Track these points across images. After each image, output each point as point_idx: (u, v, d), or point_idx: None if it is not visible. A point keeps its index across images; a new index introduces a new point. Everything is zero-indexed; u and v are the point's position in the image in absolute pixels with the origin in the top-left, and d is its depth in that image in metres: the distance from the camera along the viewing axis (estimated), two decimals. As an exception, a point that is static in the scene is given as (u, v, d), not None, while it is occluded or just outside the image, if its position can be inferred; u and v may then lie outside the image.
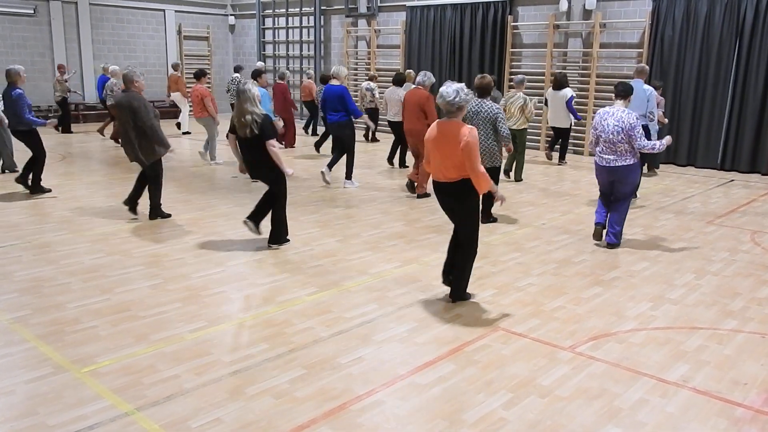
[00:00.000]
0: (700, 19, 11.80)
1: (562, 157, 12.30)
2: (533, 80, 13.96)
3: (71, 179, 9.94)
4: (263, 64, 16.77)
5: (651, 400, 3.70)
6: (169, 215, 7.64)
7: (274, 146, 6.09)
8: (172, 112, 16.93)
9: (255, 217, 6.49)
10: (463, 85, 4.69)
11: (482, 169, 4.62)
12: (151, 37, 18.97)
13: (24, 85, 8.54)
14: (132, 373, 3.87)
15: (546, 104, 11.97)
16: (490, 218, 7.73)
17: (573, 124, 11.85)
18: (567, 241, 6.93)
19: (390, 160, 11.73)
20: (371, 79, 14.77)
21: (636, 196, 9.28)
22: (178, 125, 15.84)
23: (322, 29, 18.14)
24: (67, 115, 15.29)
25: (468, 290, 5.22)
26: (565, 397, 3.72)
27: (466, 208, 4.87)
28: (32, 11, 16.57)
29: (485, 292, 5.40)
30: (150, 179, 7.42)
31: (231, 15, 20.56)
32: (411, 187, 9.18)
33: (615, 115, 6.34)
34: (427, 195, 8.85)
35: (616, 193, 6.61)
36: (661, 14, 12.21)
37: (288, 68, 18.69)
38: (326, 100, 9.33)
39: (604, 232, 6.79)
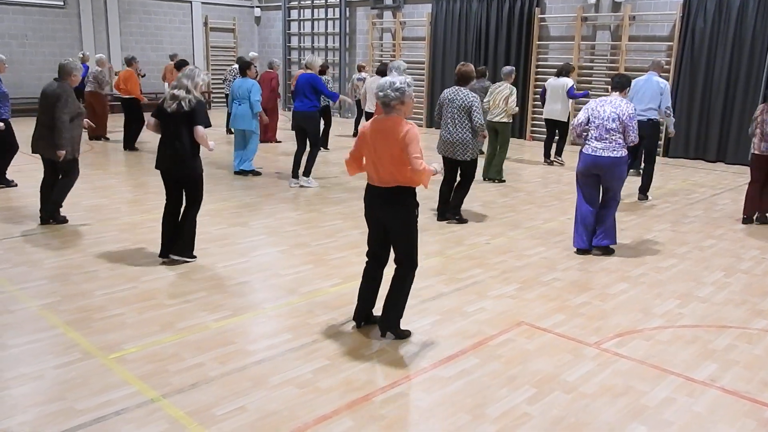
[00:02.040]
0: (733, 11, 11.54)
1: (558, 153, 11.39)
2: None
3: (98, 169, 10.07)
4: (256, 54, 16.41)
5: (678, 398, 3.64)
6: (65, 221, 6.89)
7: (203, 133, 5.37)
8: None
9: (170, 248, 5.74)
10: (401, 78, 4.03)
11: (423, 164, 3.94)
12: (178, 29, 19.11)
13: (3, 74, 8.29)
14: (157, 361, 3.92)
15: (543, 97, 11.18)
16: (456, 216, 7.30)
17: (571, 117, 11.03)
18: (592, 237, 6.85)
19: None
20: (361, 69, 14.52)
21: (647, 198, 8.82)
22: None
23: (347, 21, 18.12)
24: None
25: (406, 317, 4.42)
26: (589, 393, 3.67)
27: (402, 221, 4.12)
28: (62, 3, 16.78)
29: (509, 286, 5.36)
30: (64, 174, 6.80)
31: (257, 7, 20.63)
32: None
33: (613, 103, 6.04)
34: None
35: (604, 191, 6.20)
36: (693, 6, 11.98)
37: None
38: (297, 88, 8.92)
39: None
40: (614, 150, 5.98)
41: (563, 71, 10.85)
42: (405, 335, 4.34)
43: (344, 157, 4.22)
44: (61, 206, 6.91)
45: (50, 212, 6.84)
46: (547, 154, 11.45)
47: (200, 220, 7.06)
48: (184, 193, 5.66)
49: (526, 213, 7.88)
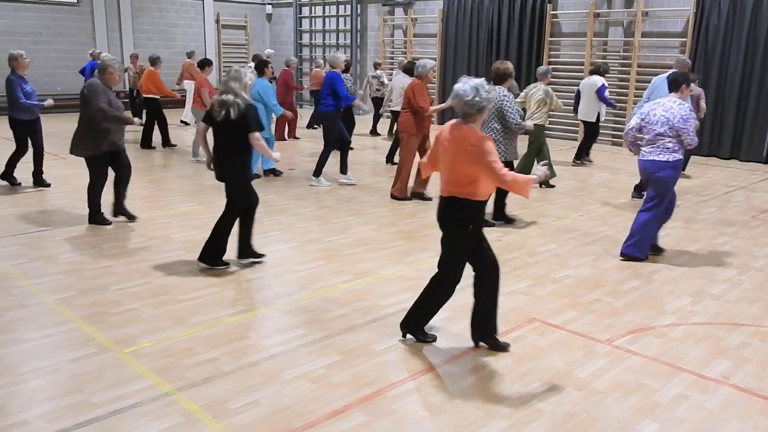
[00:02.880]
0: (747, 8, 11.44)
1: (578, 157, 11.06)
2: (572, 71, 13.77)
3: (112, 165, 10.15)
4: (272, 51, 16.05)
5: (690, 395, 3.64)
6: (109, 222, 6.78)
7: (259, 139, 5.19)
8: (181, 102, 15.50)
9: (244, 250, 5.63)
10: (482, 80, 3.79)
11: (507, 173, 3.69)
12: (190, 26, 19.20)
13: (25, 71, 8.01)
14: (172, 355, 3.96)
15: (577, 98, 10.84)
16: (499, 219, 7.12)
17: (602, 118, 10.56)
18: (605, 233, 6.83)
19: (390, 158, 10.60)
20: (377, 66, 14.34)
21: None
22: (183, 122, 15.17)
23: (358, 18, 18.13)
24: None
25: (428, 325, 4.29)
26: (601, 390, 3.68)
27: (449, 234, 3.98)
28: (75, 1, 16.91)
29: (521, 283, 5.36)
30: (90, 177, 6.73)
31: (268, 4, 20.67)
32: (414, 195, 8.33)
33: (665, 106, 5.66)
34: (402, 199, 8.17)
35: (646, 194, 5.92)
36: (707, 2, 11.88)
37: (324, 58, 18.76)
38: (320, 88, 8.91)
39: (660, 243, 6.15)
40: (660, 153, 5.63)
41: (597, 70, 10.45)
42: (427, 340, 4.22)
43: (421, 160, 4.12)
44: (97, 210, 6.79)
45: (91, 216, 6.82)
46: (577, 155, 11.14)
47: (213, 217, 7.11)
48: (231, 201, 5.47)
49: (537, 210, 7.87)
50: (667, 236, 6.84)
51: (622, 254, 6.02)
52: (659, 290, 5.29)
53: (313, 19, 19.49)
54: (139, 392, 3.53)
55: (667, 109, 5.67)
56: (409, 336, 4.24)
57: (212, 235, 5.46)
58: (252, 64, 14.19)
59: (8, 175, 8.50)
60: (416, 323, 4.22)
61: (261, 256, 5.73)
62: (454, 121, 3.94)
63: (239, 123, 5.08)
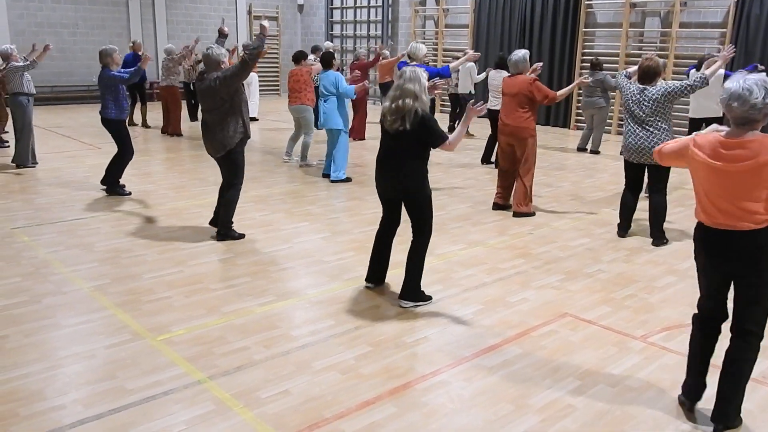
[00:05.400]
0: (792, -3, 11.10)
1: None
2: (606, 62, 13.49)
3: (145, 156, 10.30)
4: (332, 44, 16.24)
5: (727, 395, 3.55)
6: (242, 236, 6.11)
7: (452, 144, 4.45)
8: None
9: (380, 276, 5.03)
10: (762, 75, 2.97)
11: None
12: (223, 17, 19.33)
13: (117, 67, 7.66)
14: (204, 343, 4.00)
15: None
16: (664, 240, 6.25)
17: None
18: (639, 228, 6.69)
19: (486, 159, 10.04)
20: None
21: None
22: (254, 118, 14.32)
23: (390, 9, 18.04)
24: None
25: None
26: (635, 387, 3.62)
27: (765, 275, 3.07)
28: (111, -8, 17.18)
29: (552, 277, 5.30)
30: (225, 182, 6.00)
31: (300, -5, 20.73)
32: (501, 208, 7.38)
33: None
34: (530, 214, 7.10)
35: None
36: (748, -8, 11.56)
37: (354, 48, 18.71)
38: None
39: None
40: None
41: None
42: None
43: (661, 149, 3.41)
44: (230, 224, 6.10)
45: (221, 233, 6.07)
46: None
47: (244, 207, 7.16)
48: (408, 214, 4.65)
49: (570, 204, 7.76)
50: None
51: None
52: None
53: (344, 10, 19.47)
54: (172, 379, 3.58)
55: None
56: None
57: (407, 270, 4.64)
58: (312, 57, 13.55)
59: (115, 184, 7.77)
60: (733, 416, 3.30)
61: (429, 299, 4.77)
62: (716, 132, 3.08)
63: (419, 133, 4.35)
